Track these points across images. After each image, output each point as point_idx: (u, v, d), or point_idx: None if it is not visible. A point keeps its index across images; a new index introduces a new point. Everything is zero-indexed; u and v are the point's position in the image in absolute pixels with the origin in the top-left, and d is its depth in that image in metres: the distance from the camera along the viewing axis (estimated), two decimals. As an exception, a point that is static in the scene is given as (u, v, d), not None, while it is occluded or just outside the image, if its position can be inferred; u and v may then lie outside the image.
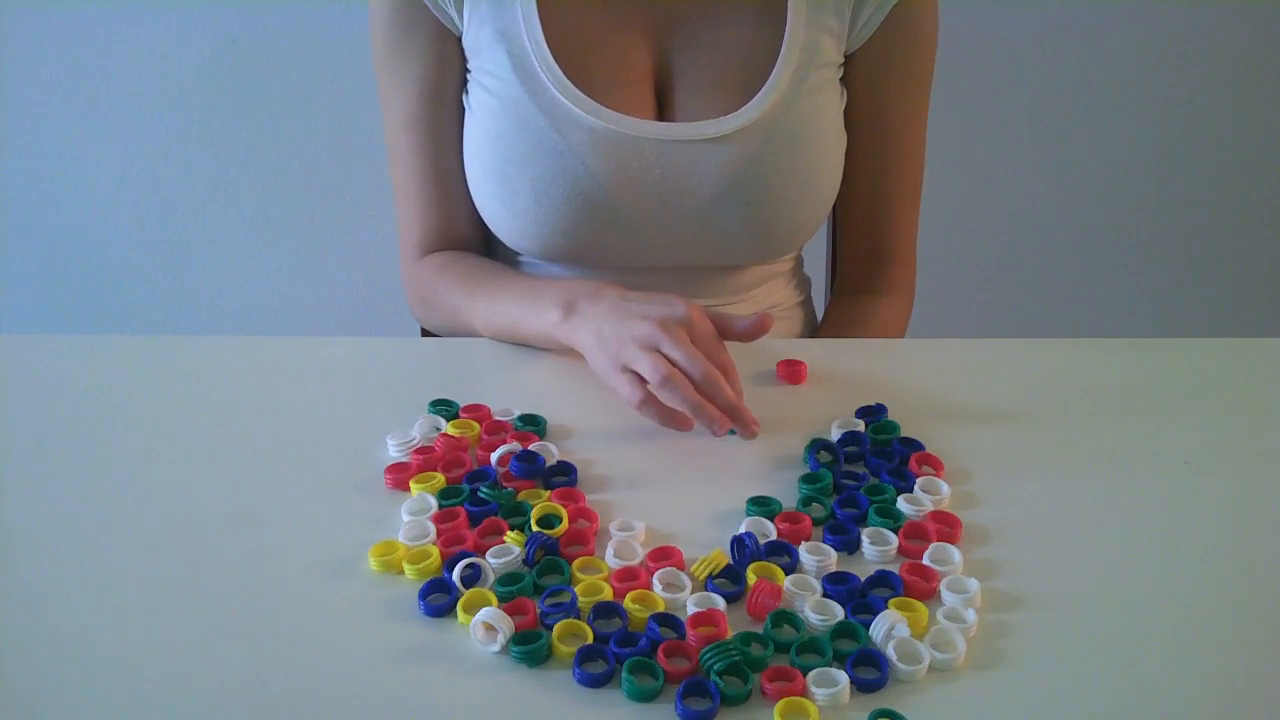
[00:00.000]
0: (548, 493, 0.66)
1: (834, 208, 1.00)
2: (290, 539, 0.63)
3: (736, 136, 0.87)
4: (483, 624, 0.54)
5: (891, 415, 0.74)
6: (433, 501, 0.65)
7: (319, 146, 1.72)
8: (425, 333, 1.02)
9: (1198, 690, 0.52)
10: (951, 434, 0.72)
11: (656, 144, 0.87)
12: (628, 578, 0.58)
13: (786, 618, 0.55)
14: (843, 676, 0.51)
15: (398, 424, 0.73)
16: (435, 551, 0.60)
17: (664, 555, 0.60)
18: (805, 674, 0.51)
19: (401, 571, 0.59)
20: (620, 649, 0.52)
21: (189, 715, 0.50)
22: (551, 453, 0.70)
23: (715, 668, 0.51)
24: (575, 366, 0.78)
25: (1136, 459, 0.71)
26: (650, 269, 0.93)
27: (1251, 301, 1.89)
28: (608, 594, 0.57)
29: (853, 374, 0.81)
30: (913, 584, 0.58)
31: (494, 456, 0.69)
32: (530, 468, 0.67)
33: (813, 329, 1.05)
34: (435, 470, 0.68)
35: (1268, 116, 1.76)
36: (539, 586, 0.58)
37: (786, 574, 0.59)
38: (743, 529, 0.62)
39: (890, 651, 0.52)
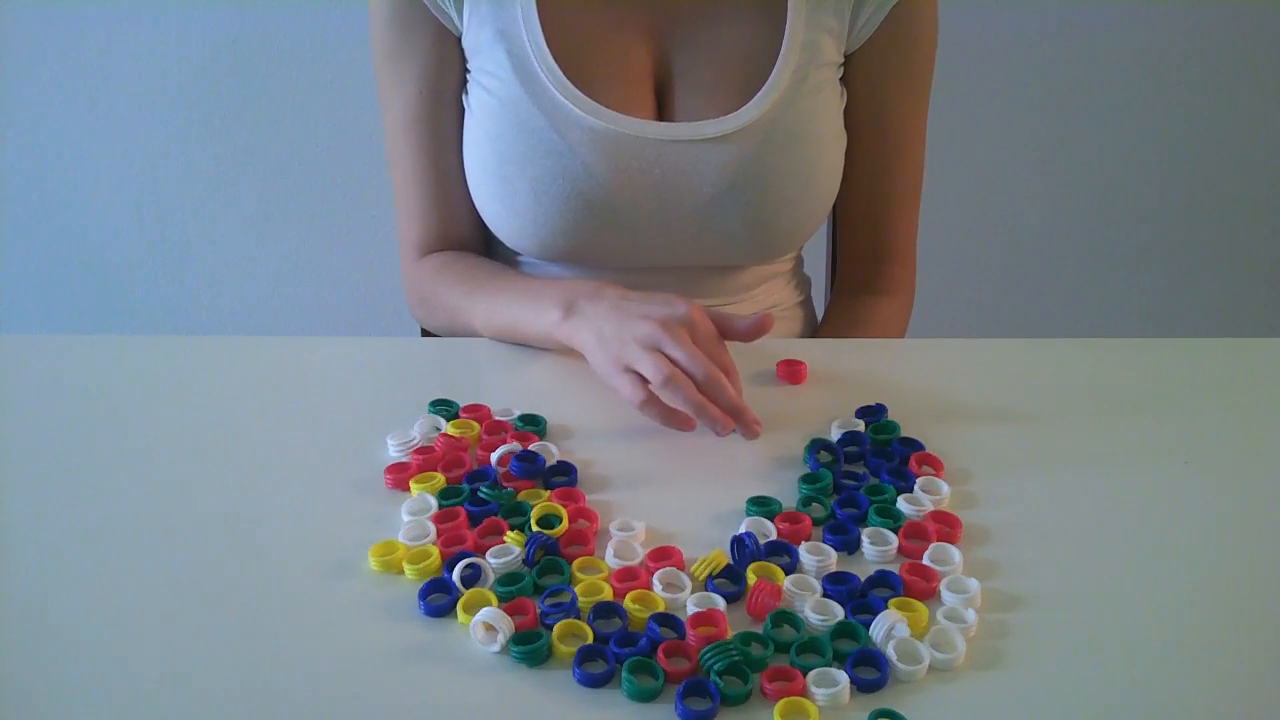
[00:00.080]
0: (548, 493, 0.66)
1: (834, 207, 1.00)
2: (290, 539, 0.63)
3: (736, 136, 0.87)
4: (483, 624, 0.54)
5: (891, 415, 0.74)
6: (433, 501, 0.65)
7: (319, 146, 1.72)
8: (425, 333, 1.02)
9: (1198, 690, 0.52)
10: (951, 434, 0.72)
11: (656, 144, 0.87)
12: (628, 578, 0.58)
13: (786, 618, 0.55)
14: (843, 676, 0.51)
15: (398, 424, 0.73)
16: (435, 551, 0.60)
17: (664, 555, 0.60)
18: (805, 674, 0.51)
19: (401, 571, 0.59)
20: (620, 649, 0.52)
21: (189, 715, 0.50)
22: (551, 453, 0.70)
23: (715, 668, 0.51)
24: (575, 366, 0.78)
25: (1136, 459, 0.71)
26: (650, 269, 0.93)
27: (1251, 301, 1.89)
28: (608, 594, 0.57)
29: (853, 374, 0.81)
30: (913, 584, 0.58)
31: (494, 456, 0.69)
32: (530, 468, 0.67)
33: (813, 329, 1.05)
34: (435, 470, 0.68)
35: (1268, 117, 1.76)
36: (539, 586, 0.58)
37: (786, 574, 0.58)
38: (743, 529, 0.62)
39: (890, 651, 0.52)
